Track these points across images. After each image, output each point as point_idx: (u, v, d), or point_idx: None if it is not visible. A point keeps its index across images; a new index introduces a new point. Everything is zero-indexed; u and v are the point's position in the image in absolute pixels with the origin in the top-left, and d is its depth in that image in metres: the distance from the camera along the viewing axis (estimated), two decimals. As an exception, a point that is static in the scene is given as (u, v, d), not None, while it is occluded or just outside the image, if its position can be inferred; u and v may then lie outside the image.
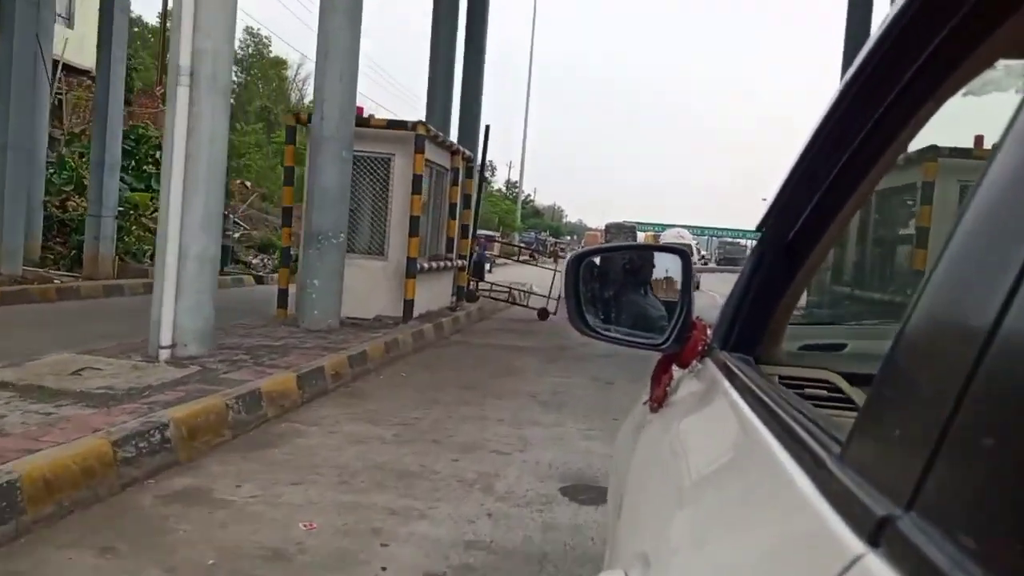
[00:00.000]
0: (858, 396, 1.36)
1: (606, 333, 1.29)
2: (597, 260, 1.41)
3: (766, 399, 0.74)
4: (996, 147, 0.43)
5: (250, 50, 39.96)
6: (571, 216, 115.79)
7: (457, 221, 12.21)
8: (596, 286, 1.35)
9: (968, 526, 0.34)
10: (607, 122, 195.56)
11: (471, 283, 13.28)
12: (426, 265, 10.17)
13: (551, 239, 66.26)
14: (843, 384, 1.37)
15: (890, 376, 0.44)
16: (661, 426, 1.19)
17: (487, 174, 72.61)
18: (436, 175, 11.00)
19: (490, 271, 17.93)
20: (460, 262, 12.31)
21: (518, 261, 15.65)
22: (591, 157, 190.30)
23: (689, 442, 0.98)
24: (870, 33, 0.96)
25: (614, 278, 1.46)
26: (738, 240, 72.26)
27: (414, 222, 9.62)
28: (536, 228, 68.87)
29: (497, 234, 47.31)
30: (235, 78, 31.27)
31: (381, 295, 9.59)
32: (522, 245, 53.75)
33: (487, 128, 14.43)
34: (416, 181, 9.58)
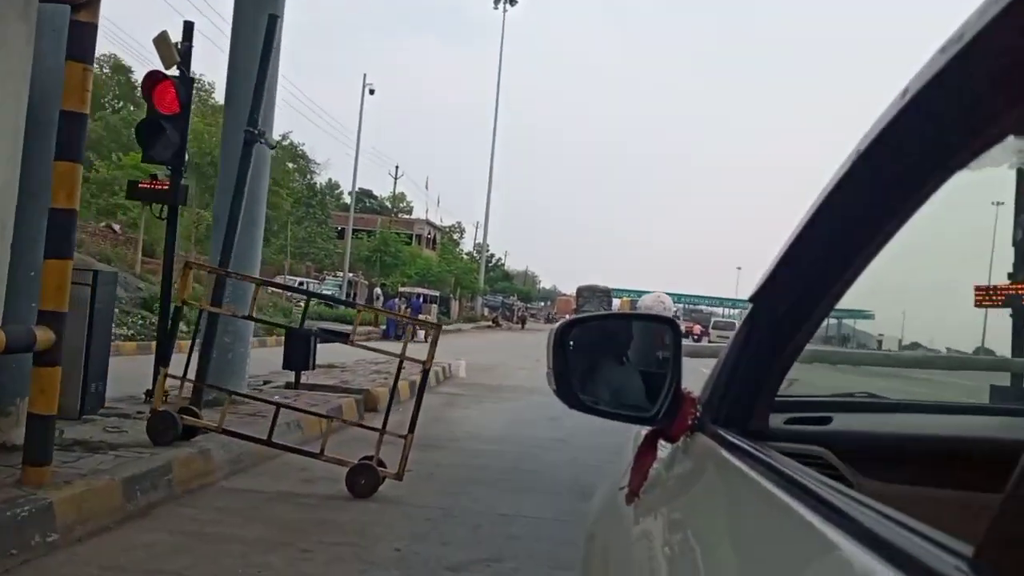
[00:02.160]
0: (851, 474, 1.31)
1: (595, 407, 1.24)
2: (584, 328, 1.36)
3: (820, 491, 0.67)
4: None
5: None
6: (545, 282, 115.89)
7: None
8: (583, 355, 1.31)
9: None
10: (585, 190, 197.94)
11: (195, 393, 5.80)
12: None
13: (520, 304, 66.21)
14: (835, 461, 1.32)
15: None
16: (654, 518, 1.10)
17: (454, 235, 70.20)
18: None
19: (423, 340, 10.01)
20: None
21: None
22: (566, 224, 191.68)
23: (721, 541, 0.89)
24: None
25: (598, 347, 1.41)
26: (700, 307, 71.55)
27: None
28: (505, 292, 68.75)
29: (429, 292, 41.19)
30: None
31: None
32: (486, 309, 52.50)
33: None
34: None
